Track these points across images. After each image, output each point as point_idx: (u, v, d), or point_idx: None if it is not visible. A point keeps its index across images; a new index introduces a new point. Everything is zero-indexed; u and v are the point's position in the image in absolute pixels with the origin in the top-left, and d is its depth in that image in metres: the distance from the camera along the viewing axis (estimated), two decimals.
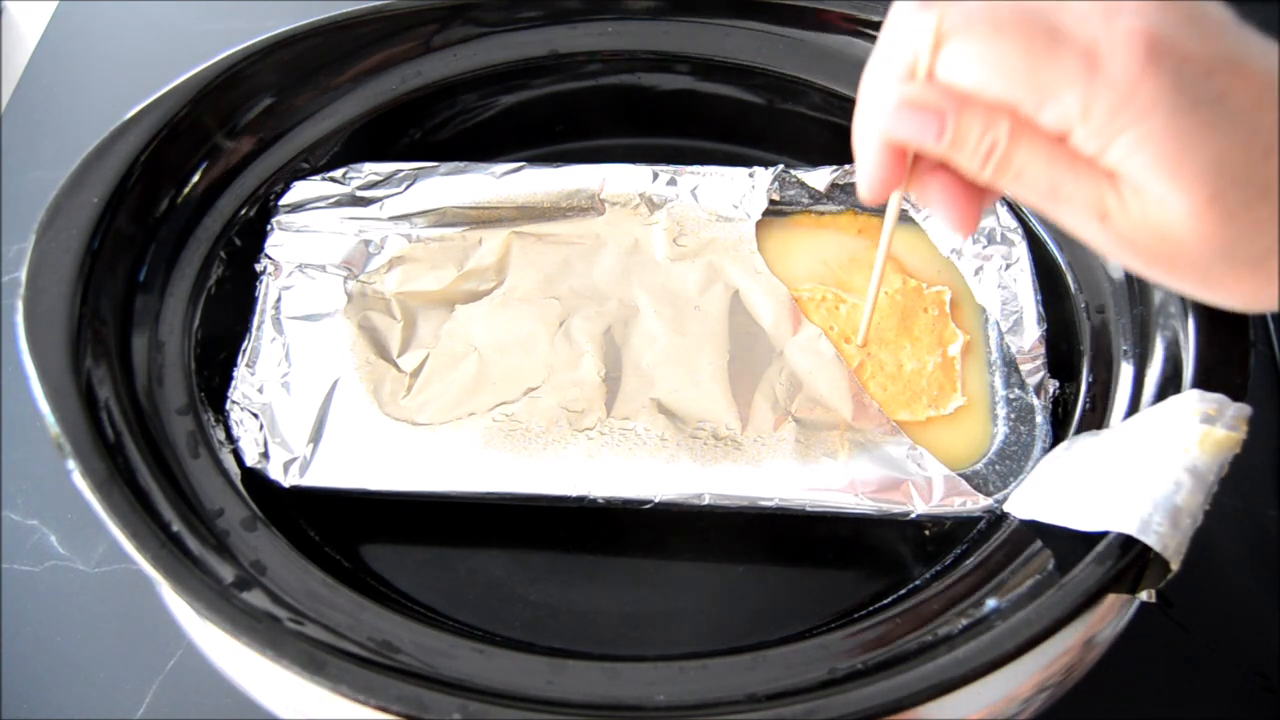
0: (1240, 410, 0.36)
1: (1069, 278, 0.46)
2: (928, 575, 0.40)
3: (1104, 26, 0.27)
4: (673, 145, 0.55)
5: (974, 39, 0.28)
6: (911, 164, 0.32)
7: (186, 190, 0.46)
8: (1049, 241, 0.47)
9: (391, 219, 0.49)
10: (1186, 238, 0.28)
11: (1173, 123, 0.27)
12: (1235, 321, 0.39)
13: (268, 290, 0.46)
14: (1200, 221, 0.27)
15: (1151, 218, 0.28)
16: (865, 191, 0.33)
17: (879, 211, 0.50)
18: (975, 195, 0.32)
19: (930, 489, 0.41)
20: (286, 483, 0.41)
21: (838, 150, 0.50)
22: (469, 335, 0.46)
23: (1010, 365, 0.45)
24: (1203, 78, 0.27)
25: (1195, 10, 0.28)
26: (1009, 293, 0.46)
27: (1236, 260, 0.28)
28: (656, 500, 0.41)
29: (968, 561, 0.39)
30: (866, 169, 0.33)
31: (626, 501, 0.41)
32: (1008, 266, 0.47)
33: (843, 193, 0.50)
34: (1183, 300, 0.40)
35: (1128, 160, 0.27)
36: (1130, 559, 0.34)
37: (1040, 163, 0.29)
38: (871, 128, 0.32)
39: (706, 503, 0.41)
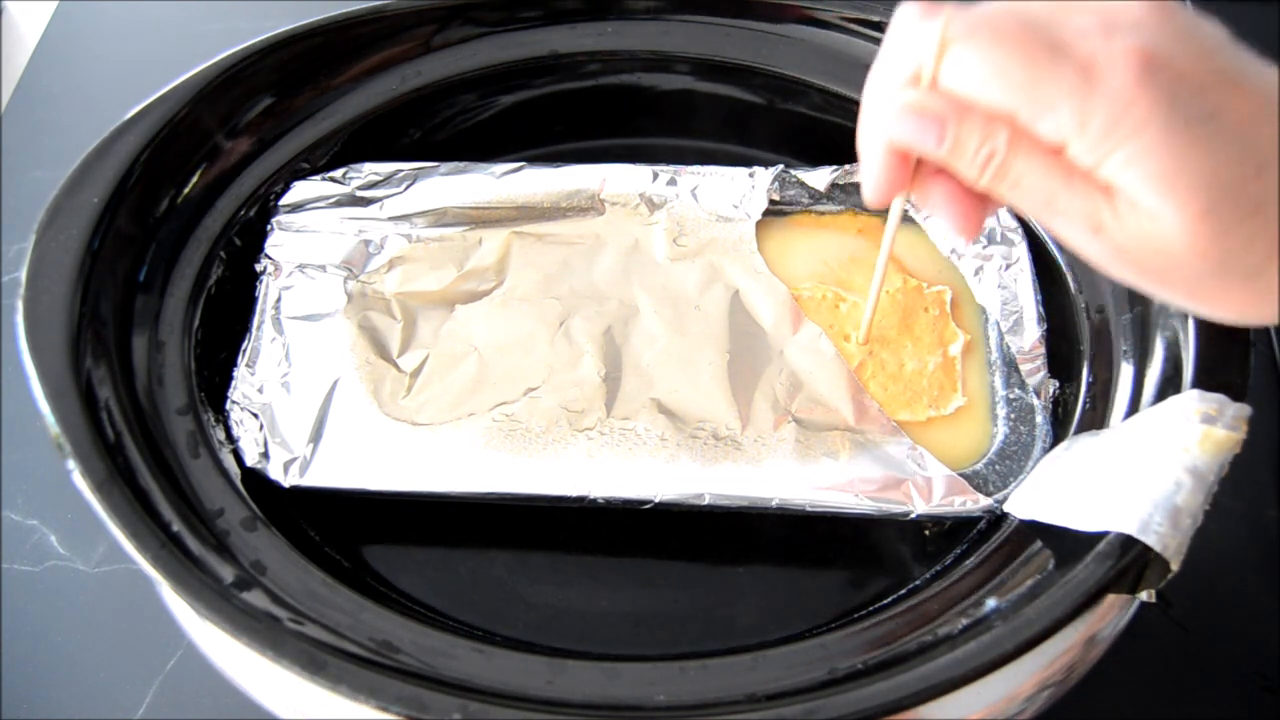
0: (1240, 410, 0.36)
1: (1069, 278, 0.46)
2: (928, 575, 0.40)
3: (1103, 43, 0.28)
4: (673, 145, 0.55)
5: (977, 47, 0.29)
6: (915, 168, 0.33)
7: (186, 190, 0.46)
8: (1049, 241, 0.47)
9: (391, 219, 0.49)
10: (1179, 251, 0.28)
11: (1166, 138, 0.27)
12: None
13: (268, 290, 0.46)
14: (1193, 235, 0.28)
15: (1145, 231, 0.29)
16: (870, 194, 0.34)
17: (879, 212, 0.50)
18: (977, 201, 0.33)
19: (930, 489, 0.41)
20: (286, 483, 0.41)
21: (838, 150, 0.50)
22: (469, 335, 0.46)
23: (1010, 365, 0.45)
24: (1197, 94, 0.27)
25: (1191, 29, 0.28)
26: (1009, 293, 0.46)
27: (1228, 274, 0.29)
28: (656, 500, 0.41)
29: (968, 561, 0.39)
30: (871, 172, 0.33)
31: (626, 501, 0.41)
32: (1008, 266, 0.47)
33: (843, 193, 0.50)
34: None
35: (1122, 174, 0.28)
36: (1130, 559, 0.34)
37: (1037, 173, 0.29)
38: (875, 132, 0.32)
39: (707, 503, 0.41)
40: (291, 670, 0.33)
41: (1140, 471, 0.35)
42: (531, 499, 0.41)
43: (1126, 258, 0.30)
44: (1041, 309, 0.45)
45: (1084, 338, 0.44)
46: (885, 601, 0.39)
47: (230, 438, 0.42)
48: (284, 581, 0.36)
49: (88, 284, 0.40)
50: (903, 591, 0.40)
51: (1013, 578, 0.37)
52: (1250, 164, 0.27)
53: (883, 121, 0.31)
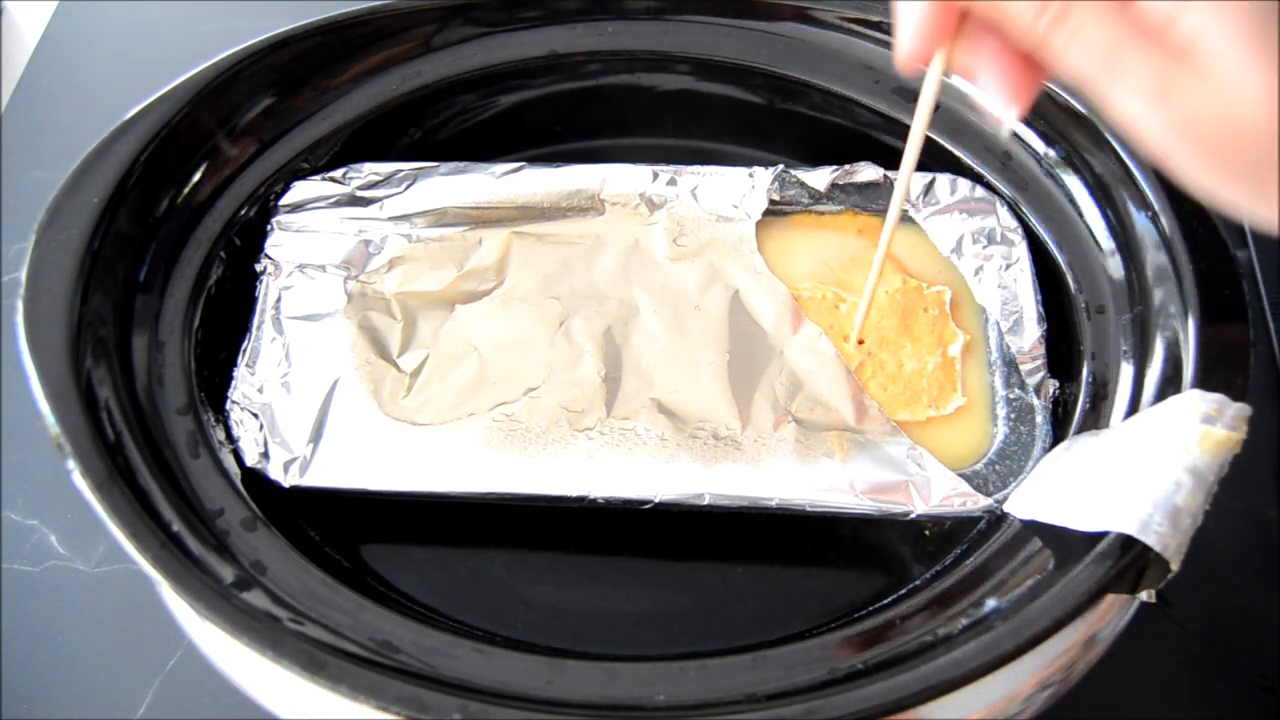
0: (1240, 410, 0.36)
1: (1069, 278, 0.46)
2: (928, 575, 0.40)
3: None
4: (673, 145, 0.55)
5: None
6: (959, 25, 0.29)
7: (186, 190, 0.46)
8: (1049, 241, 0.47)
9: (391, 219, 0.49)
10: (1255, 127, 0.25)
11: None
12: (1235, 321, 0.39)
13: (268, 290, 0.46)
14: (1275, 108, 0.25)
15: (1219, 100, 0.25)
16: (905, 46, 0.29)
17: (879, 211, 0.50)
18: (1028, 66, 0.29)
19: (930, 489, 0.41)
20: (286, 483, 0.41)
21: (838, 150, 0.50)
22: (469, 335, 0.46)
23: (1010, 365, 0.45)
24: None
25: None
26: (1009, 293, 0.46)
27: None
28: (656, 500, 0.41)
29: (968, 561, 0.39)
30: (909, 20, 0.29)
31: (626, 501, 0.41)
32: (1008, 266, 0.47)
33: (843, 193, 0.50)
34: (1183, 300, 0.40)
35: (1202, 27, 0.25)
36: (1130, 559, 0.34)
37: (1101, 22, 0.26)
38: None
39: (706, 503, 0.41)
40: (291, 670, 0.33)
41: (1140, 471, 0.35)
42: (531, 499, 0.41)
43: (1191, 132, 0.26)
44: (1041, 309, 0.45)
45: (1084, 338, 0.44)
46: (885, 601, 0.39)
47: (230, 438, 0.42)
48: (284, 581, 0.36)
49: (88, 284, 0.40)
50: (903, 591, 0.40)
51: (1013, 578, 0.37)
52: None
53: None
